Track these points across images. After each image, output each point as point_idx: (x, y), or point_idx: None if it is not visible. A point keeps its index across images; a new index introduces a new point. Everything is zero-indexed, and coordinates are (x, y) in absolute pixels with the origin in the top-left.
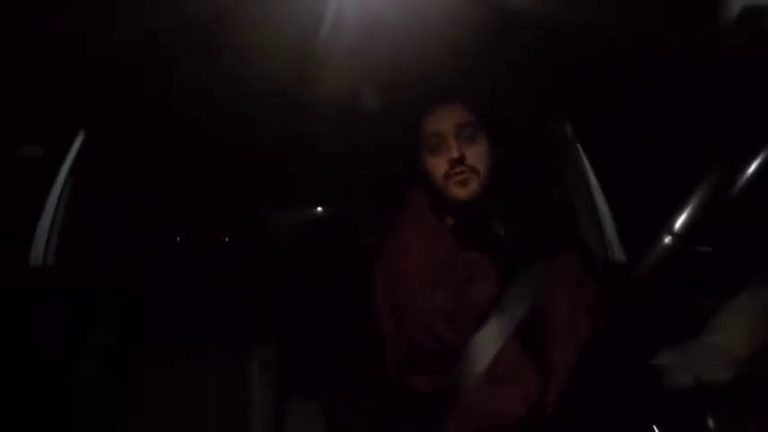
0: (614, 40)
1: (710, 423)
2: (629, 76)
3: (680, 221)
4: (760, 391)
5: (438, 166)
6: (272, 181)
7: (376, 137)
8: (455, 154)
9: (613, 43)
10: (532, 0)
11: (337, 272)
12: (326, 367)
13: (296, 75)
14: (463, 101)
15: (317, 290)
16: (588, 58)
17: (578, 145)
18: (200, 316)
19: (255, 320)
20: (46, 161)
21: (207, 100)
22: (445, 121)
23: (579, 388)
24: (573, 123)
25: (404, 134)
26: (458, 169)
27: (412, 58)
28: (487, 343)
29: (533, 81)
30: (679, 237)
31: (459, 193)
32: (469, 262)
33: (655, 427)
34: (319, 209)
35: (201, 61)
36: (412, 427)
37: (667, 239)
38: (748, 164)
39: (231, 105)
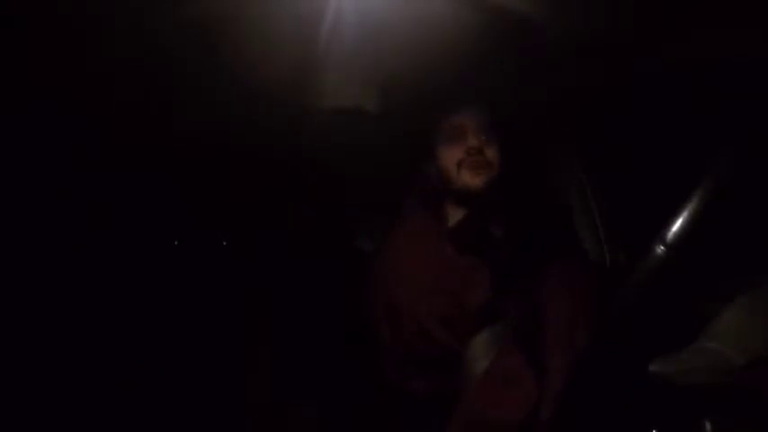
0: (614, 43)
1: (708, 428)
2: (628, 79)
3: (672, 232)
4: (757, 397)
5: (453, 153)
6: (272, 183)
7: (376, 139)
8: (475, 143)
9: (612, 46)
10: (532, 3)
11: (335, 275)
12: (324, 370)
13: (296, 75)
14: (484, 102)
15: (316, 293)
16: (586, 61)
17: (575, 147)
18: (198, 317)
19: (253, 323)
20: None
21: (205, 100)
22: (468, 116)
23: (578, 392)
24: (570, 126)
25: (405, 135)
26: (475, 157)
27: (413, 59)
28: (485, 347)
29: (532, 84)
30: (672, 247)
31: (472, 180)
32: (467, 266)
33: (654, 431)
34: (318, 211)
35: (200, 61)
36: (410, 431)
37: (660, 250)
38: (738, 174)
39: (230, 106)
